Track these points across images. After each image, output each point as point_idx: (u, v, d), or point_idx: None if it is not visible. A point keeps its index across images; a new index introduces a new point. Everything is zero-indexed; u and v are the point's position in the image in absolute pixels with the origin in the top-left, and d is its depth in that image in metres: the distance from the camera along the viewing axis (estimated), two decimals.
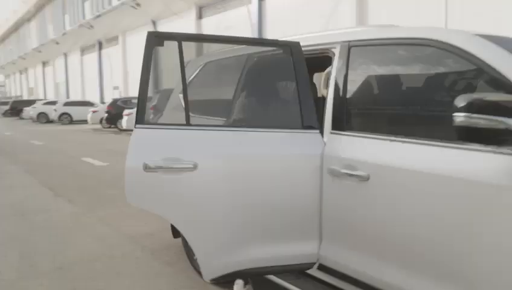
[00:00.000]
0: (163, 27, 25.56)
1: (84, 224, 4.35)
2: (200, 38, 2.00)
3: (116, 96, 30.08)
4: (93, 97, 32.52)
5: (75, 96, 37.69)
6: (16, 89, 62.34)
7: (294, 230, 1.98)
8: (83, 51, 37.67)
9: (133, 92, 28.24)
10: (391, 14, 13.59)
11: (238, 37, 2.08)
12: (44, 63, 48.19)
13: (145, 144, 1.77)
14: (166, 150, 1.75)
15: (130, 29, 28.95)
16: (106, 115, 17.29)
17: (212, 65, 3.29)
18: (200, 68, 3.41)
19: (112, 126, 18.36)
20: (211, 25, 21.29)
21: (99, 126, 19.40)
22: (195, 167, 1.76)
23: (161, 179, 1.72)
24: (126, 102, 17.60)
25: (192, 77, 3.47)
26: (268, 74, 2.44)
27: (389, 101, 1.91)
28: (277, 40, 2.11)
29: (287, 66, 2.09)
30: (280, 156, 1.93)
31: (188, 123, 1.86)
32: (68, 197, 5.56)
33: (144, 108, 1.75)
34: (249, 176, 1.86)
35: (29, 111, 25.64)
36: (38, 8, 40.61)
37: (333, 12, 15.60)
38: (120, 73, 30.34)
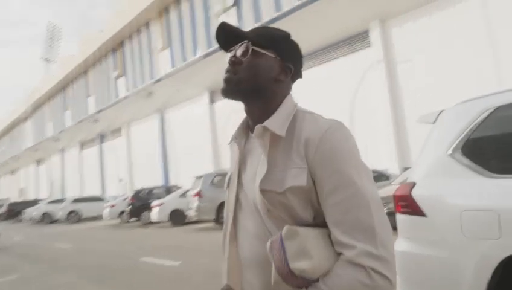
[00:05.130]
0: (171, 115, 25.40)
1: None
2: None
3: (121, 189, 28.85)
4: (93, 192, 31.02)
5: (71, 193, 36.07)
6: (4, 190, 60.04)
7: None
8: (82, 145, 36.99)
9: (139, 183, 27.06)
10: (421, 85, 13.47)
11: None
12: (38, 162, 47.01)
13: None
14: None
15: (134, 120, 28.71)
16: (129, 207, 15.88)
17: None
18: (484, 116, 2.47)
19: (132, 219, 16.90)
20: (226, 108, 21.06)
21: (116, 221, 17.81)
22: None
23: None
24: (150, 192, 16.36)
25: (466, 129, 2.51)
26: None
27: None
28: None
29: None
30: None
31: None
32: None
33: None
34: None
35: (31, 212, 23.88)
36: (36, 107, 40.53)
37: (361, 84, 15.50)
38: (125, 165, 29.38)
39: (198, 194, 11.43)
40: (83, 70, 30.39)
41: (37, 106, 40.27)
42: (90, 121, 28.83)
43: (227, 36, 0.97)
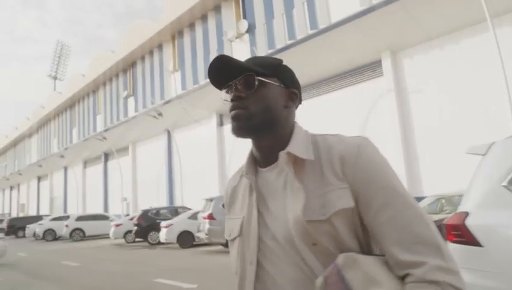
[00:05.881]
0: (179, 135, 25.50)
1: None
2: None
3: (125, 208, 28.68)
4: (95, 210, 30.87)
5: (73, 211, 35.84)
6: (4, 206, 59.65)
7: None
8: (86, 163, 37.01)
9: (143, 203, 26.94)
10: (432, 115, 13.60)
11: None
12: (39, 178, 46.91)
13: None
14: None
15: (141, 139, 28.81)
16: (135, 228, 15.76)
17: None
18: None
19: (137, 240, 16.78)
20: None
21: (121, 241, 17.65)
22: None
23: None
24: (157, 213, 16.27)
25: None
26: None
27: None
28: None
29: None
30: None
31: None
32: None
33: None
34: None
35: (34, 228, 23.67)
36: (42, 123, 40.80)
37: (371, 112, 15.65)
38: (129, 184, 29.29)
39: (210, 216, 11.38)
40: (92, 89, 30.78)
41: (44, 123, 40.56)
42: (98, 138, 28.94)
43: (221, 71, 0.90)
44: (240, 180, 0.99)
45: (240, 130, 0.89)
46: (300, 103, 0.98)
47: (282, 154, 0.86)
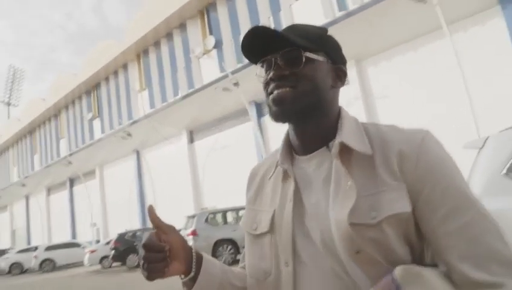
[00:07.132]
0: (149, 155, 25.14)
1: None
2: None
3: (95, 234, 27.70)
4: (62, 239, 29.57)
5: (37, 242, 34.13)
6: None
7: None
8: (50, 190, 35.50)
9: (113, 227, 26.16)
10: (399, 120, 14.29)
11: None
12: None
13: None
14: None
15: (109, 161, 28.10)
16: (113, 252, 15.31)
17: None
18: None
19: (115, 264, 16.29)
20: (206, 147, 21.21)
21: (97, 267, 17.03)
22: None
23: None
24: (134, 235, 15.89)
25: None
26: None
27: None
28: None
29: None
30: None
31: None
32: None
33: None
34: None
35: None
36: None
37: None
38: (98, 209, 28.37)
39: (194, 233, 11.30)
40: (54, 113, 29.77)
41: (1, 151, 38.63)
42: (63, 164, 27.91)
43: (257, 41, 0.77)
44: (275, 169, 0.85)
45: (283, 115, 0.77)
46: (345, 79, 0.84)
47: (336, 144, 0.74)
